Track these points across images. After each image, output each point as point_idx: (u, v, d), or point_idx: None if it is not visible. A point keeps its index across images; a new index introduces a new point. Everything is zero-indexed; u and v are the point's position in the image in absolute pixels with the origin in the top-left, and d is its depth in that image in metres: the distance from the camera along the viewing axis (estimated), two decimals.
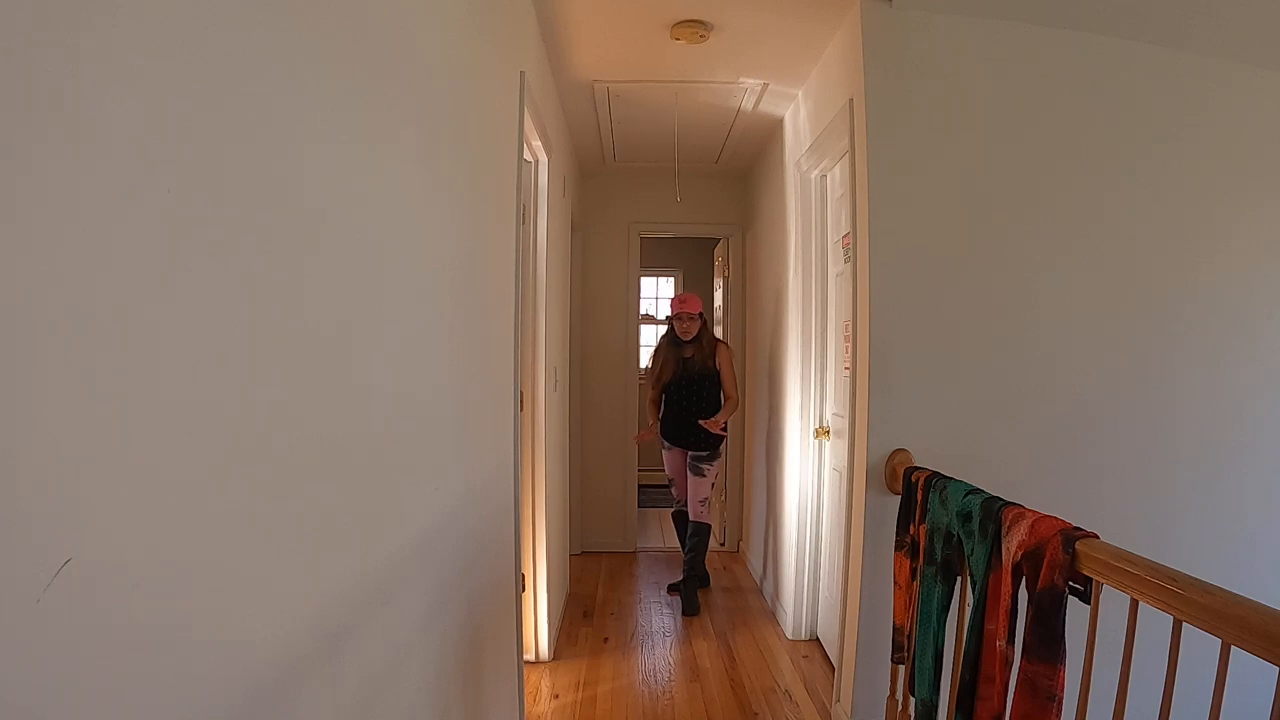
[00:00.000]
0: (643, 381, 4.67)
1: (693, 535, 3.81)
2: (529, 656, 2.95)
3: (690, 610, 3.64)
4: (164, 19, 0.63)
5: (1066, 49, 2.37)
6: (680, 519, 4.00)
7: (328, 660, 0.96)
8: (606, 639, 3.32)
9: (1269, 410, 2.49)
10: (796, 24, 2.66)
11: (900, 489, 2.17)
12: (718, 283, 5.24)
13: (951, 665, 1.84)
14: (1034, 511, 1.56)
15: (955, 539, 1.80)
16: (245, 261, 0.76)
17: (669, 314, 3.91)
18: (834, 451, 3.00)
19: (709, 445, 3.80)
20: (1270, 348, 2.49)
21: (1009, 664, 1.54)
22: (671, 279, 7.36)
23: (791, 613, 3.35)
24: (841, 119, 2.54)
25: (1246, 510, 2.47)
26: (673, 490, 4.07)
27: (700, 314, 3.83)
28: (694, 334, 3.81)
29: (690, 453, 3.84)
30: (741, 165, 4.59)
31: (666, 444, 3.97)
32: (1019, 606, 1.52)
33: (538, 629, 3.00)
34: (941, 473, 2.01)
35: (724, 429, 3.79)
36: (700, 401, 3.82)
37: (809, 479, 3.23)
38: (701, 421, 3.73)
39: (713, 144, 4.15)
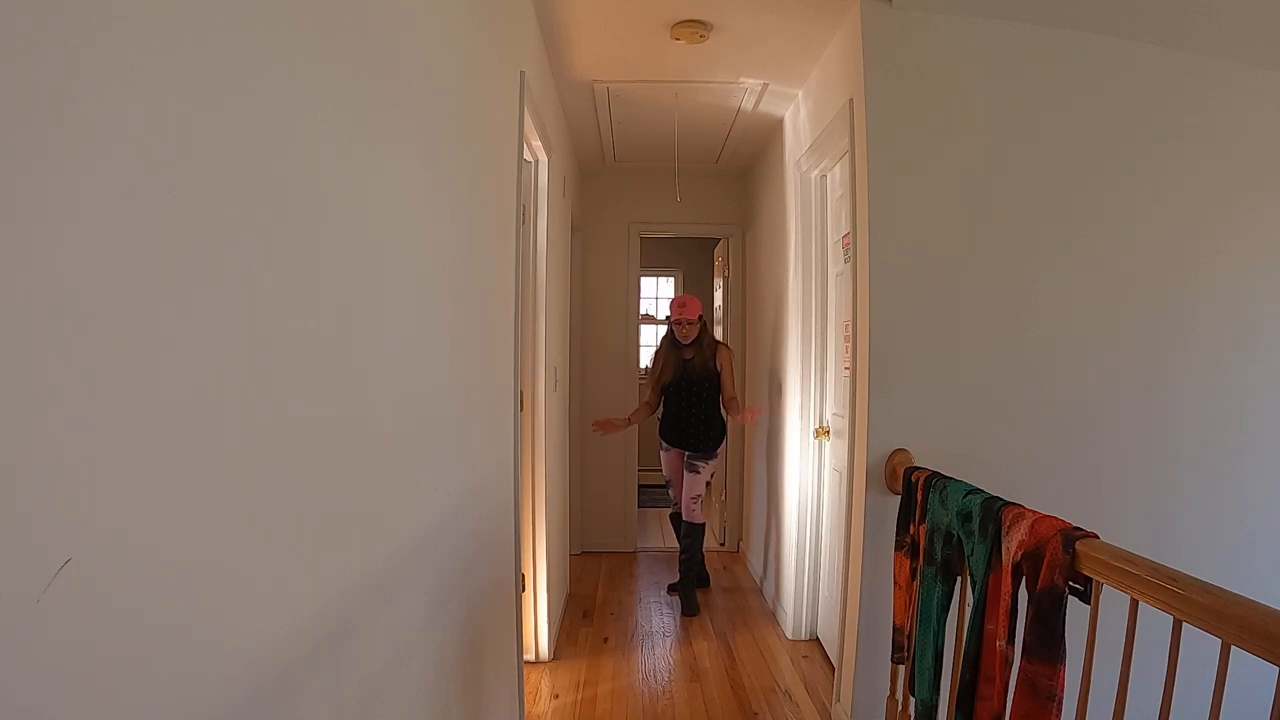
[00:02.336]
0: (642, 381, 4.67)
1: (686, 536, 3.81)
2: (529, 656, 2.95)
3: (690, 611, 3.65)
4: (164, 19, 0.63)
5: (1066, 49, 2.37)
6: (678, 520, 3.99)
7: (328, 660, 0.96)
8: (606, 639, 3.32)
9: (1269, 410, 2.49)
10: (796, 24, 2.66)
11: (900, 489, 2.17)
12: (718, 283, 5.24)
13: (951, 665, 1.84)
14: (1034, 511, 1.56)
15: (955, 539, 1.80)
16: (245, 261, 0.76)
17: (668, 316, 3.90)
18: (834, 451, 3.00)
19: (707, 447, 3.80)
20: (1270, 347, 2.49)
21: (1009, 664, 1.54)
22: (671, 279, 7.36)
23: (791, 613, 3.35)
24: (841, 119, 2.54)
25: (1247, 510, 2.47)
26: (670, 492, 4.08)
27: (700, 318, 3.82)
28: (693, 338, 3.80)
29: (687, 452, 3.85)
30: (741, 165, 4.58)
31: (665, 445, 3.97)
32: (1019, 606, 1.52)
33: (538, 629, 3.00)
34: (941, 473, 2.01)
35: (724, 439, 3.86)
36: (700, 403, 3.80)
37: (809, 479, 3.23)
38: (741, 418, 3.68)
39: (713, 144, 4.15)
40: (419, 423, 1.35)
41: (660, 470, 4.13)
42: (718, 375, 3.79)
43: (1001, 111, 2.35)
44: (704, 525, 3.87)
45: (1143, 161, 2.42)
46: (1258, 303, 2.49)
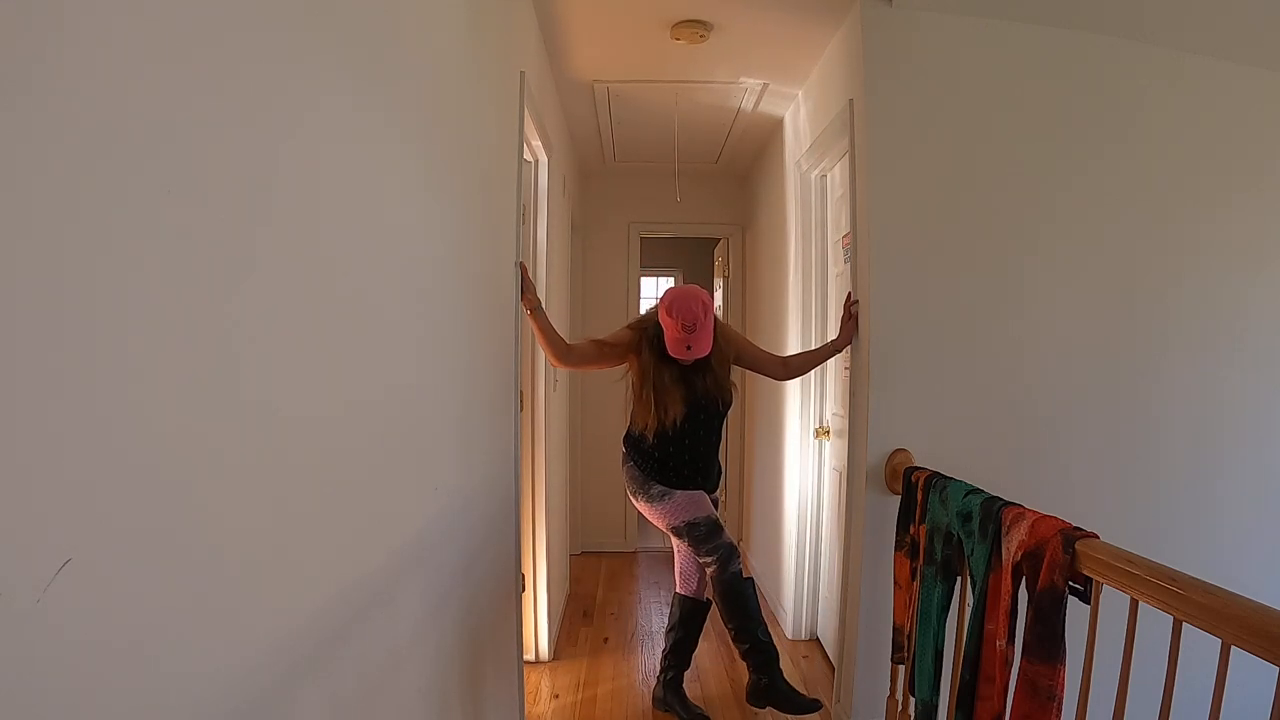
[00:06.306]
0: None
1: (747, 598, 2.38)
2: (529, 656, 2.94)
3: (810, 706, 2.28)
4: (164, 19, 0.63)
5: (1066, 48, 2.37)
6: (698, 610, 2.61)
7: (328, 660, 0.96)
8: (606, 639, 3.32)
9: (1269, 409, 2.49)
10: (797, 24, 2.65)
11: (900, 489, 2.17)
12: (718, 283, 5.24)
13: (951, 665, 1.84)
14: (1034, 511, 1.56)
15: (955, 539, 1.80)
16: (246, 261, 0.76)
17: (670, 320, 2.32)
18: (834, 451, 3.00)
19: (717, 483, 2.63)
20: (1261, 345, 2.50)
21: (1009, 664, 1.54)
22: (671, 279, 7.35)
23: (791, 613, 3.35)
24: (841, 119, 2.54)
25: (1244, 510, 2.47)
26: (700, 550, 2.40)
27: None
28: (707, 349, 2.37)
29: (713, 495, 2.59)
30: (741, 165, 4.58)
31: (669, 489, 2.44)
32: (1019, 606, 1.52)
33: (538, 629, 3.00)
34: (942, 473, 2.01)
35: None
36: (717, 432, 2.55)
37: (809, 479, 3.23)
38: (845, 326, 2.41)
39: (713, 144, 4.15)
40: (419, 423, 1.35)
41: None
42: (730, 392, 2.52)
43: (1002, 111, 2.35)
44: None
45: (1142, 162, 2.42)
46: (1253, 300, 2.49)
